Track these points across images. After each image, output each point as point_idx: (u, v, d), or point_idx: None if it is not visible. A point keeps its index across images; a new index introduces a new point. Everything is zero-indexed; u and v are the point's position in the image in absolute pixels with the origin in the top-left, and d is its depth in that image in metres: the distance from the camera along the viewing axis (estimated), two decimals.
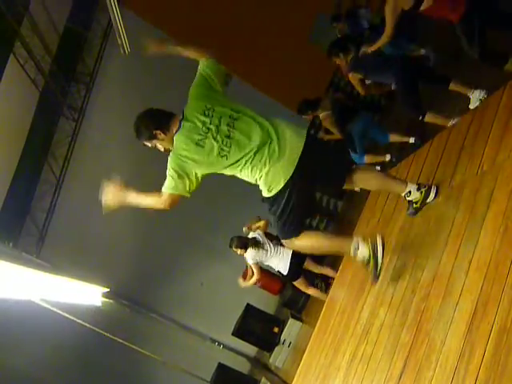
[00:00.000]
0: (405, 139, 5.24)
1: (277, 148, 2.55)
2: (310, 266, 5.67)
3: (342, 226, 7.60)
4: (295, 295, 7.38)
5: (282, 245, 5.40)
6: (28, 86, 8.58)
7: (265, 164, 2.55)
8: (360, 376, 2.53)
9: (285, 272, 5.42)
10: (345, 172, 2.72)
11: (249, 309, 8.15)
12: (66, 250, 9.94)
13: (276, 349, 7.42)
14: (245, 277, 6.22)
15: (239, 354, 10.37)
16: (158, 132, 2.64)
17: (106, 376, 10.04)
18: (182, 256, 10.50)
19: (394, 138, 5.33)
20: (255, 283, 5.70)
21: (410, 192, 2.72)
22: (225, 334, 9.03)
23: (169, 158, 2.61)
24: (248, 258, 5.42)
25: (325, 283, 6.10)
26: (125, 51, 8.11)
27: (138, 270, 10.28)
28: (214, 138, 2.55)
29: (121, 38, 7.75)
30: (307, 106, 5.60)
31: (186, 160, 2.56)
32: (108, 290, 8.71)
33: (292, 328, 7.19)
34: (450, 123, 3.82)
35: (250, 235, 5.68)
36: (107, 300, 9.26)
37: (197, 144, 2.55)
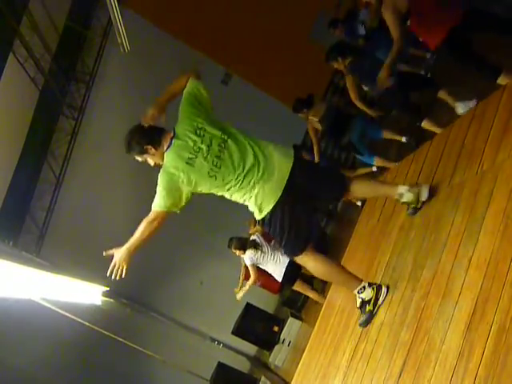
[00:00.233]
0: (397, 137, 5.27)
1: (265, 170, 2.59)
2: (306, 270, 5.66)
3: (342, 225, 7.61)
4: (295, 294, 7.39)
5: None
6: (27, 84, 8.57)
7: (254, 186, 2.60)
8: (360, 374, 2.53)
9: (279, 278, 5.43)
10: (338, 187, 2.79)
11: (248, 308, 8.16)
12: (65, 249, 9.94)
13: (276, 348, 7.43)
14: (245, 277, 6.25)
15: (239, 353, 10.38)
16: (149, 147, 2.67)
17: (105, 375, 10.04)
18: (182, 255, 10.50)
19: (387, 135, 5.36)
20: (253, 284, 5.71)
21: (402, 194, 2.74)
22: (224, 332, 9.04)
23: (159, 175, 2.63)
24: (246, 259, 5.43)
25: (322, 283, 6.11)
26: (124, 50, 8.11)
27: (138, 269, 10.20)
28: (205, 158, 2.58)
29: (120, 37, 7.74)
30: (301, 105, 5.63)
31: (175, 177, 2.59)
32: (108, 289, 8.72)
33: (292, 327, 7.20)
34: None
35: (253, 237, 5.69)
36: (107, 299, 9.27)
37: (187, 163, 2.58)
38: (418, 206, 2.76)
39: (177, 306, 10.73)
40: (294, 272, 5.48)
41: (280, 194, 2.59)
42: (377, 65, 4.37)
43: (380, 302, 2.67)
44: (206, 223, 10.35)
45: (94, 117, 10.20)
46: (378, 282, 2.77)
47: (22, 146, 9.33)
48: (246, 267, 6.30)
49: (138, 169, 2.86)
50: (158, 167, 2.70)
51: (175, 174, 2.58)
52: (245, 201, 2.69)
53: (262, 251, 5.43)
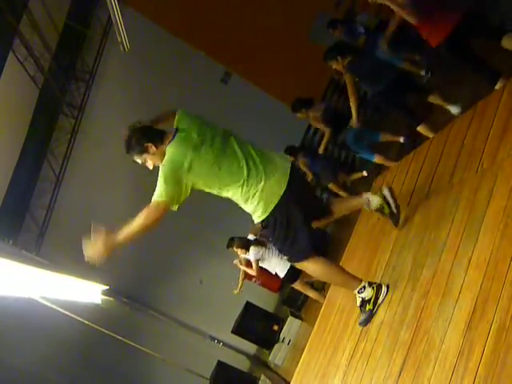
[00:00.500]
0: (396, 139, 5.28)
1: (266, 168, 2.59)
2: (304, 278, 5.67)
3: (342, 224, 7.60)
4: (295, 293, 7.39)
5: None
6: (27, 83, 8.57)
7: (260, 179, 2.55)
8: (359, 373, 2.53)
9: (282, 274, 5.42)
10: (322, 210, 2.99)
11: (248, 307, 8.17)
12: (65, 248, 9.92)
13: (275, 346, 7.43)
14: (246, 277, 6.26)
15: (239, 352, 10.39)
16: (150, 145, 2.61)
17: (105, 373, 10.05)
18: (182, 254, 10.51)
19: (385, 137, 5.36)
20: (252, 278, 5.71)
21: (368, 200, 2.90)
22: (224, 331, 9.04)
23: (160, 167, 2.57)
24: (251, 254, 5.42)
25: (322, 282, 6.11)
26: (124, 48, 8.10)
27: (138, 268, 10.28)
28: (210, 146, 2.56)
29: (120, 35, 7.74)
30: (301, 104, 5.62)
31: (178, 165, 2.51)
32: (108, 287, 8.72)
33: (291, 326, 7.20)
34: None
35: (251, 237, 5.68)
36: (107, 297, 9.27)
37: (193, 149, 2.52)
38: (393, 209, 2.83)
39: (177, 304, 10.74)
40: (296, 269, 5.49)
41: (285, 185, 2.57)
42: (376, 65, 4.39)
43: (380, 301, 2.66)
44: (206, 222, 10.35)
45: (94, 115, 10.20)
46: (378, 281, 2.77)
47: (22, 144, 9.34)
48: (246, 266, 6.30)
49: (138, 167, 2.83)
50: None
51: (179, 162, 2.50)
52: (247, 200, 2.61)
53: (266, 247, 5.45)
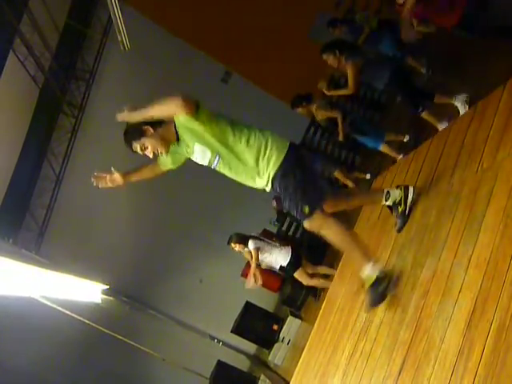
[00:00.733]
0: (399, 138, 5.28)
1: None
2: (307, 267, 5.69)
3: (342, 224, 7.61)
4: (295, 293, 7.40)
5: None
6: (28, 82, 8.58)
7: (266, 131, 2.64)
8: (359, 373, 2.53)
9: (284, 263, 5.46)
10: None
11: (248, 306, 8.17)
12: (65, 247, 9.96)
13: (275, 346, 7.43)
14: (245, 275, 6.25)
15: (238, 352, 10.40)
16: (147, 127, 2.60)
17: (104, 372, 10.06)
18: (182, 253, 10.52)
19: (389, 136, 5.37)
20: (256, 268, 5.70)
21: (388, 193, 2.87)
22: (224, 331, 9.04)
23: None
24: (250, 245, 5.45)
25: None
26: (125, 48, 8.10)
27: (138, 268, 10.29)
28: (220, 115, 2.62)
29: (121, 35, 7.74)
30: (301, 99, 5.62)
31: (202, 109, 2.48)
32: (108, 287, 8.73)
33: (291, 325, 7.21)
34: (440, 126, 4.02)
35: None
36: (107, 297, 9.27)
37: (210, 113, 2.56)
38: (408, 207, 2.82)
39: (176, 304, 10.74)
40: (298, 257, 5.57)
41: (288, 144, 2.63)
42: (379, 59, 4.38)
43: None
44: (206, 221, 10.36)
45: (94, 115, 10.20)
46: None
47: (22, 143, 9.34)
48: (248, 264, 6.31)
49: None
50: (156, 156, 2.67)
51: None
52: (259, 151, 2.57)
53: (264, 241, 5.50)
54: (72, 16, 9.42)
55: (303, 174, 2.61)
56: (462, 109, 3.97)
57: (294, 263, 5.52)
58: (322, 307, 4.13)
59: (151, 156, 2.67)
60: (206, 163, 2.70)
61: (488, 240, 1.88)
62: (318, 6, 8.86)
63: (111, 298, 9.75)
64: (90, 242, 10.19)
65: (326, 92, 5.42)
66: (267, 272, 6.66)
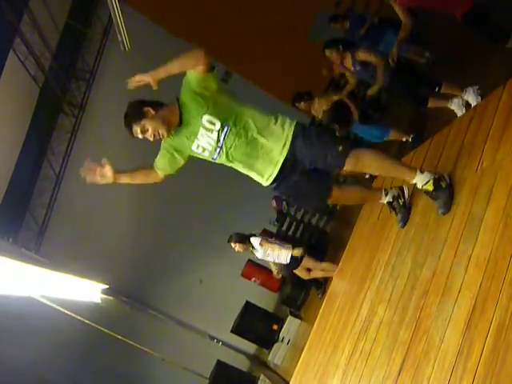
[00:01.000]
0: (402, 137, 5.27)
1: None
2: (308, 263, 5.71)
3: (342, 224, 7.61)
4: (294, 293, 7.40)
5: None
6: (28, 82, 8.58)
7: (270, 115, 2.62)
8: (359, 373, 2.53)
9: (286, 261, 5.49)
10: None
11: (248, 306, 8.17)
12: (65, 246, 9.96)
13: (275, 346, 7.43)
14: (245, 274, 6.27)
15: (238, 352, 10.39)
16: (148, 109, 2.53)
17: (104, 372, 10.06)
18: (182, 253, 10.52)
19: (393, 134, 5.35)
20: (252, 278, 5.74)
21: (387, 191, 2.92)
22: (224, 331, 9.04)
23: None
24: (253, 242, 5.49)
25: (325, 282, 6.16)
26: (125, 48, 8.09)
27: (138, 267, 10.29)
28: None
29: (121, 35, 7.73)
30: (301, 95, 5.60)
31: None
32: (107, 286, 8.72)
33: (291, 325, 7.20)
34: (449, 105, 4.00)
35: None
36: (106, 297, 9.27)
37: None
38: (407, 200, 2.86)
39: (176, 304, 10.74)
40: (297, 258, 5.61)
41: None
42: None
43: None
44: (206, 221, 10.36)
45: (94, 114, 10.20)
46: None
47: (22, 143, 9.34)
48: (248, 264, 6.31)
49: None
50: (159, 140, 2.59)
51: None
52: (269, 117, 2.57)
53: (265, 240, 5.56)
54: (72, 16, 9.42)
55: (321, 128, 2.61)
56: (475, 100, 3.84)
57: (296, 259, 5.54)
58: (322, 307, 4.13)
59: (151, 139, 2.54)
60: (211, 145, 2.56)
61: (488, 239, 1.88)
62: (318, 6, 8.86)
63: (111, 298, 9.74)
64: (90, 241, 10.19)
65: (337, 97, 5.33)
66: (267, 271, 6.67)
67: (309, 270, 5.91)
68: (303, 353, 3.94)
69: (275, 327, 7.74)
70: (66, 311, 6.20)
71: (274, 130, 2.55)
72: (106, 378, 10.20)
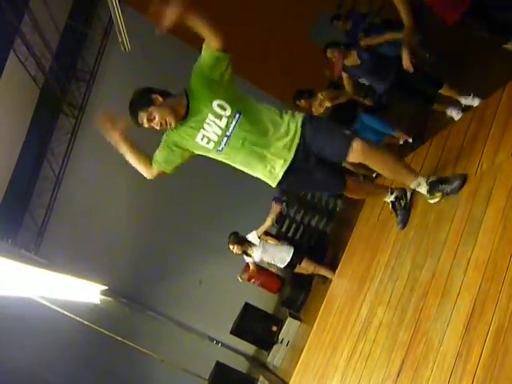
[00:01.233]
0: (404, 137, 5.27)
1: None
2: (309, 267, 5.70)
3: (342, 224, 7.60)
4: (294, 294, 7.39)
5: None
6: (28, 82, 8.58)
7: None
8: (358, 374, 2.53)
9: (288, 258, 5.51)
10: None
11: (247, 307, 8.16)
12: (64, 247, 9.94)
13: (274, 347, 7.43)
14: (248, 278, 6.28)
15: (237, 353, 10.38)
16: (156, 96, 2.47)
17: (103, 373, 10.04)
18: (181, 254, 10.51)
19: (397, 134, 5.36)
20: (251, 279, 5.75)
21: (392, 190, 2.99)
22: (223, 332, 9.03)
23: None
24: (250, 238, 5.50)
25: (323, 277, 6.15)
26: (125, 48, 8.10)
27: (137, 268, 10.28)
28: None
29: (121, 36, 7.74)
30: (302, 92, 5.59)
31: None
32: (107, 287, 8.72)
33: (290, 327, 7.20)
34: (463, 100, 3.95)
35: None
36: (106, 298, 9.27)
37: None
38: (408, 202, 2.91)
39: (175, 305, 10.73)
40: (300, 251, 5.62)
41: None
42: (382, 59, 4.38)
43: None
44: (206, 222, 10.35)
45: (94, 115, 10.18)
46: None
47: (22, 143, 9.33)
48: (247, 266, 6.33)
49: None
50: (164, 129, 2.52)
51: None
52: (279, 110, 2.62)
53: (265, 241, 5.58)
54: (73, 17, 9.42)
55: (325, 123, 2.71)
56: (476, 101, 3.85)
57: (298, 256, 5.56)
58: (321, 308, 4.13)
59: (158, 127, 2.48)
60: (217, 134, 2.50)
61: (487, 241, 1.88)
62: (318, 7, 8.87)
63: (110, 299, 9.73)
64: (89, 242, 10.18)
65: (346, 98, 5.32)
66: (267, 273, 6.68)
67: None
68: (302, 354, 3.93)
69: (274, 328, 7.73)
70: (65, 312, 6.19)
71: (284, 119, 2.57)
72: (105, 379, 10.18)
